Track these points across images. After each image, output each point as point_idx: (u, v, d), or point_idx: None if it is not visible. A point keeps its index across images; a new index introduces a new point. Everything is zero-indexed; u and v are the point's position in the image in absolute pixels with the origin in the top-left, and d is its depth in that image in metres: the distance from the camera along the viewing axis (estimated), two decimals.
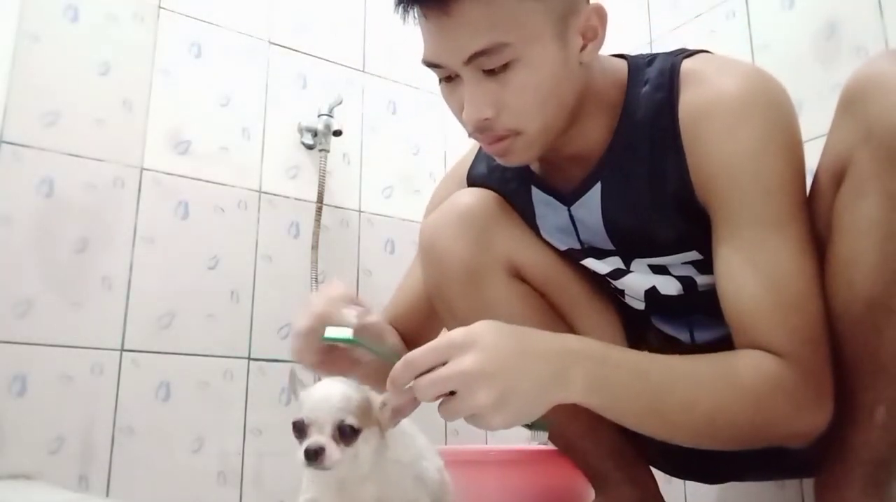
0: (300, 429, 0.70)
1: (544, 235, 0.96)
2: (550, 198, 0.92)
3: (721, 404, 0.72)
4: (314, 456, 0.68)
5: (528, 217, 0.96)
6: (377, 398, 0.73)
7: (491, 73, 0.76)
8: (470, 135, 0.83)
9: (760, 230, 0.75)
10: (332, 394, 0.71)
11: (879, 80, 0.70)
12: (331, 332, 0.75)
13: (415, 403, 0.70)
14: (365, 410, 0.71)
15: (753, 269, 0.75)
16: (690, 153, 0.79)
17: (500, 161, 0.86)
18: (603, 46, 0.83)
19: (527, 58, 0.75)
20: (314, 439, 0.68)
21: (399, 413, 0.72)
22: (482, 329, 0.66)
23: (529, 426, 0.69)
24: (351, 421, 0.69)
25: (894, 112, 0.68)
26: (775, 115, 0.77)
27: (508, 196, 0.97)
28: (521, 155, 0.83)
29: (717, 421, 0.73)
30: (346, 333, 0.75)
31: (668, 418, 0.73)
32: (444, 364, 0.64)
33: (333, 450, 0.68)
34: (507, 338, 0.66)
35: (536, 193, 0.94)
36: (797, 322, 0.73)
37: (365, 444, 0.70)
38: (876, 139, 0.69)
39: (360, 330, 0.77)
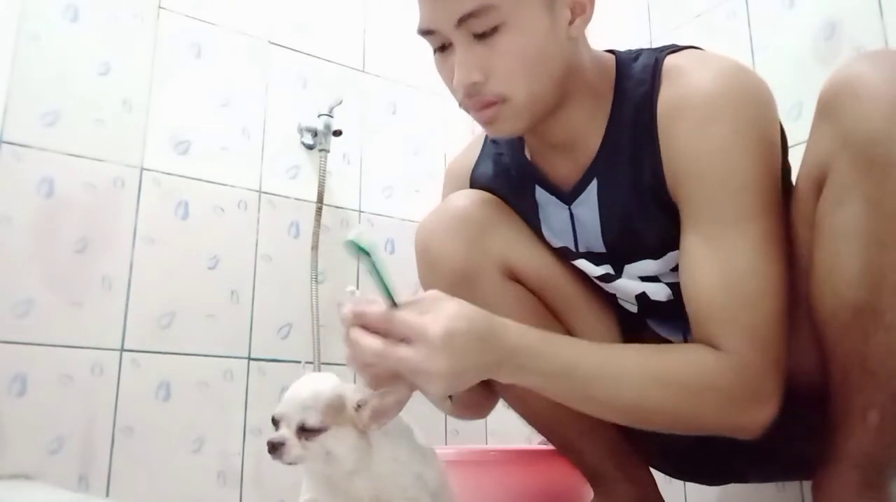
0: (274, 423, 0.73)
1: (546, 233, 0.96)
2: (553, 198, 0.93)
3: (645, 396, 0.75)
4: (273, 449, 0.71)
5: (531, 216, 0.96)
6: (353, 398, 0.74)
7: (481, 37, 0.78)
8: (460, 104, 0.85)
9: (721, 227, 0.76)
10: (300, 392, 0.73)
11: (854, 86, 0.70)
12: (353, 236, 0.70)
13: (398, 407, 0.73)
14: (336, 409, 0.72)
15: (711, 265, 0.76)
16: (664, 147, 0.81)
17: (487, 131, 0.88)
18: (592, 22, 0.85)
19: (514, 21, 0.78)
20: (277, 433, 0.72)
21: (382, 415, 0.73)
22: (458, 339, 0.68)
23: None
24: (313, 419, 0.71)
25: (870, 118, 0.67)
26: (749, 111, 0.77)
27: (512, 195, 0.98)
28: (508, 124, 0.84)
29: (642, 410, 0.77)
30: (370, 246, 0.70)
31: (597, 404, 0.78)
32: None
33: (293, 446, 0.71)
34: (470, 339, 0.69)
35: (541, 193, 0.94)
36: (747, 320, 0.74)
37: (338, 443, 0.72)
38: (853, 146, 0.69)
39: None
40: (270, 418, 0.73)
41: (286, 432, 0.71)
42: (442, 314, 0.68)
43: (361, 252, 0.69)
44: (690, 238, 0.79)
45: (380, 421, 0.73)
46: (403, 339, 0.67)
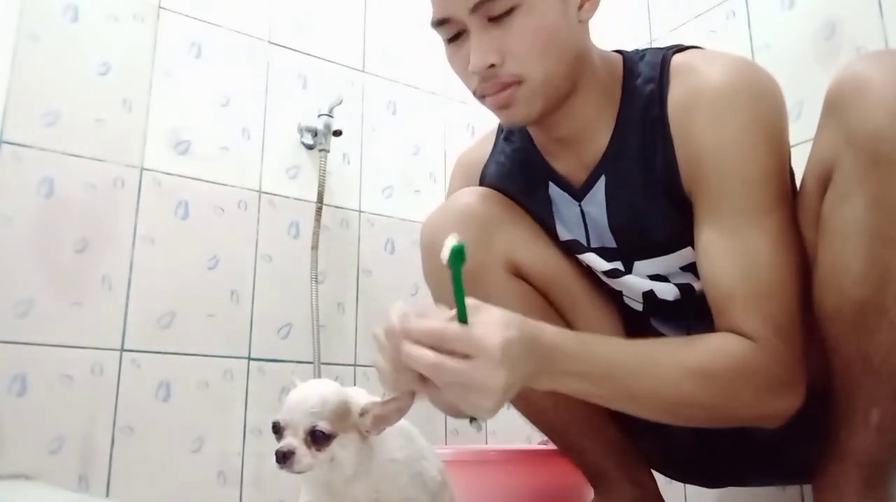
0: (277, 430, 0.71)
1: (559, 228, 0.97)
2: (565, 194, 0.94)
3: (684, 388, 0.74)
4: (283, 458, 0.68)
5: (545, 212, 0.97)
6: (357, 403, 0.73)
7: (495, 20, 0.80)
8: (475, 92, 0.86)
9: (739, 218, 0.77)
10: (307, 398, 0.71)
11: (858, 85, 0.70)
12: (458, 242, 0.65)
13: (399, 414, 0.71)
14: (342, 415, 0.71)
15: (731, 256, 0.77)
16: (678, 141, 0.82)
17: (502, 117, 0.88)
18: (592, 23, 0.87)
19: (528, 3, 0.80)
20: (285, 442, 0.69)
21: (382, 421, 0.72)
22: (513, 349, 0.64)
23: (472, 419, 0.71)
24: (323, 426, 0.69)
25: (874, 116, 0.68)
26: (762, 105, 0.79)
27: (525, 192, 0.98)
28: (523, 107, 0.85)
29: (681, 403, 0.76)
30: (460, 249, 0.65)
31: (635, 401, 0.77)
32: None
33: (303, 454, 0.69)
34: (524, 354, 0.66)
35: (553, 189, 0.95)
36: (770, 309, 0.75)
37: (342, 449, 0.71)
38: (858, 144, 0.69)
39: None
40: (272, 425, 0.71)
41: (294, 440, 0.69)
42: (493, 325, 0.64)
43: (459, 261, 0.64)
44: (708, 229, 0.79)
45: (380, 427, 0.73)
46: (456, 354, 0.63)
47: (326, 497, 0.76)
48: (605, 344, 0.77)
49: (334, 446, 0.70)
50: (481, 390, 0.63)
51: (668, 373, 0.74)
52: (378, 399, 0.75)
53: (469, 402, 0.64)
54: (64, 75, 1.45)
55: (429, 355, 0.62)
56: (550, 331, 0.71)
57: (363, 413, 0.73)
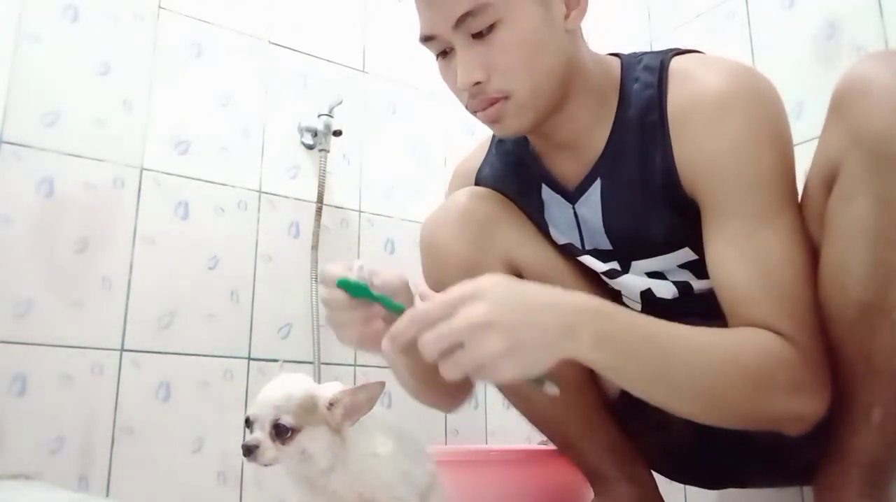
0: (248, 425, 0.74)
1: (552, 230, 0.97)
2: (558, 196, 0.94)
3: (722, 375, 0.71)
4: (248, 452, 0.71)
5: (537, 214, 0.97)
6: (325, 397, 0.74)
7: (479, 36, 0.80)
8: (466, 106, 0.86)
9: (749, 222, 0.76)
10: (273, 392, 0.74)
11: (865, 85, 0.70)
12: (343, 277, 0.72)
13: (370, 404, 0.73)
14: (308, 409, 0.73)
15: (745, 260, 0.76)
16: (677, 146, 0.81)
17: (494, 130, 0.88)
18: (593, 24, 0.87)
19: (510, 17, 0.79)
20: (252, 436, 0.72)
21: (354, 411, 0.73)
22: (490, 281, 0.65)
23: (537, 381, 0.67)
24: (287, 419, 0.71)
25: (881, 116, 0.68)
26: (761, 109, 0.78)
27: (519, 194, 0.98)
28: (514, 121, 0.84)
29: (717, 392, 0.71)
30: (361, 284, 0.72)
31: (671, 384, 0.72)
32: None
33: (268, 448, 0.71)
34: (515, 291, 0.66)
35: (546, 191, 0.95)
36: (792, 308, 0.74)
37: (312, 442, 0.73)
38: (864, 144, 0.69)
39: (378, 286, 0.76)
40: (245, 419, 0.74)
41: (260, 434, 0.72)
42: (491, 277, 0.66)
43: (354, 290, 0.71)
44: (718, 234, 0.79)
45: (352, 418, 0.74)
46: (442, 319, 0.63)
47: (311, 494, 0.77)
48: (640, 316, 0.73)
49: (302, 439, 0.72)
50: (475, 331, 0.61)
51: (705, 358, 0.70)
52: (344, 387, 0.76)
53: (479, 354, 0.62)
54: (64, 75, 1.45)
55: (436, 331, 0.62)
56: (581, 293, 0.70)
57: (331, 404, 0.74)
